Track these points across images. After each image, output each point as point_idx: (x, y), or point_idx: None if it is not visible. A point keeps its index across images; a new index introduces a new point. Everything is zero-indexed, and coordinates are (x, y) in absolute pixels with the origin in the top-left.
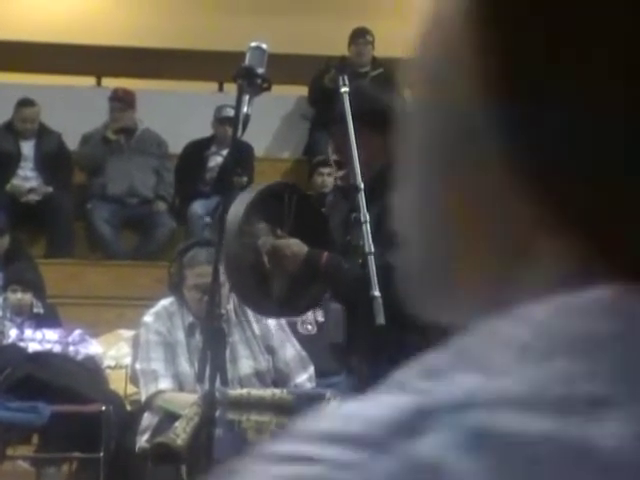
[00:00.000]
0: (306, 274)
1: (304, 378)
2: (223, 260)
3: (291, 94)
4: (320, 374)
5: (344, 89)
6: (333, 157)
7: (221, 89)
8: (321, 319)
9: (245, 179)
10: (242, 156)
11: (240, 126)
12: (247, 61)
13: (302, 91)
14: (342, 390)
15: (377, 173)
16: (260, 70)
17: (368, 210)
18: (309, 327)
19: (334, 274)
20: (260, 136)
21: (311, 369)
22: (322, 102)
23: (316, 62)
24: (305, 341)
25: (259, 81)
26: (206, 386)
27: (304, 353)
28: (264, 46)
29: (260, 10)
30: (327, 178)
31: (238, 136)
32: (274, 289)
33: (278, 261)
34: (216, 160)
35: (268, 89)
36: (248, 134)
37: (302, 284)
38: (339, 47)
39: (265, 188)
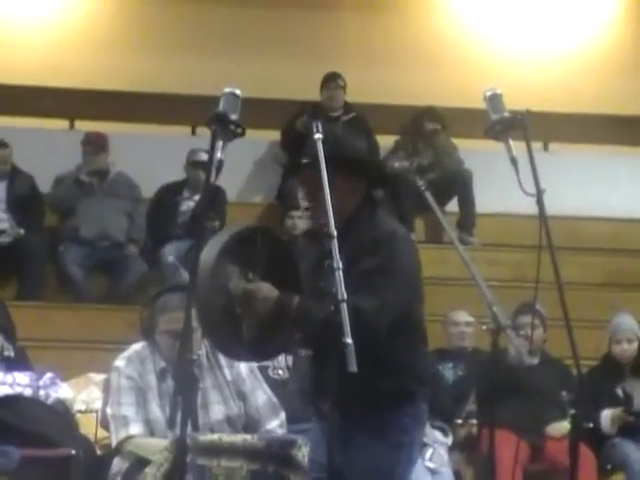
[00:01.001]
0: (276, 318)
1: (275, 424)
2: (195, 303)
3: (263, 138)
4: (291, 420)
5: (317, 135)
6: (303, 203)
7: (194, 132)
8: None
9: (217, 223)
10: (215, 200)
11: (213, 171)
12: (221, 107)
13: (274, 135)
14: (313, 436)
15: (347, 217)
16: (234, 116)
17: (338, 252)
18: (280, 372)
19: (304, 319)
20: (233, 180)
21: (282, 415)
22: (294, 147)
23: (288, 106)
24: (277, 386)
25: (232, 127)
26: (177, 432)
27: (275, 399)
28: (238, 92)
29: (232, 55)
30: (298, 221)
31: (212, 181)
32: (244, 333)
33: (249, 305)
34: (188, 204)
35: (242, 135)
36: (221, 178)
37: (272, 328)
38: (311, 92)
39: (238, 231)
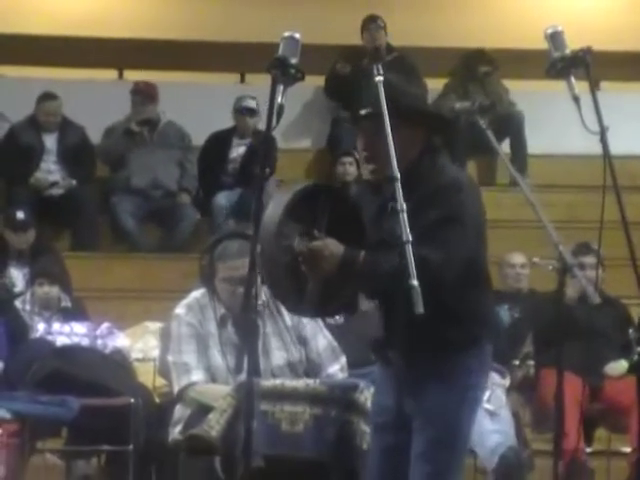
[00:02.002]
0: (342, 275)
1: (336, 369)
2: (259, 260)
3: (309, 84)
4: (351, 364)
5: (378, 78)
6: (364, 153)
7: (243, 80)
8: None
9: (268, 170)
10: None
11: (275, 116)
12: (280, 51)
13: (320, 81)
14: (377, 381)
15: (409, 166)
16: (294, 60)
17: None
18: (337, 317)
19: (371, 273)
20: (280, 127)
21: (343, 359)
22: (337, 92)
23: (332, 52)
24: (332, 331)
25: (292, 71)
26: (240, 378)
27: (335, 343)
28: (297, 36)
29: (278, 1)
30: (349, 167)
31: (273, 127)
32: (309, 290)
33: (315, 262)
34: (238, 151)
35: (302, 79)
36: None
37: (337, 286)
38: (354, 37)
39: (302, 189)
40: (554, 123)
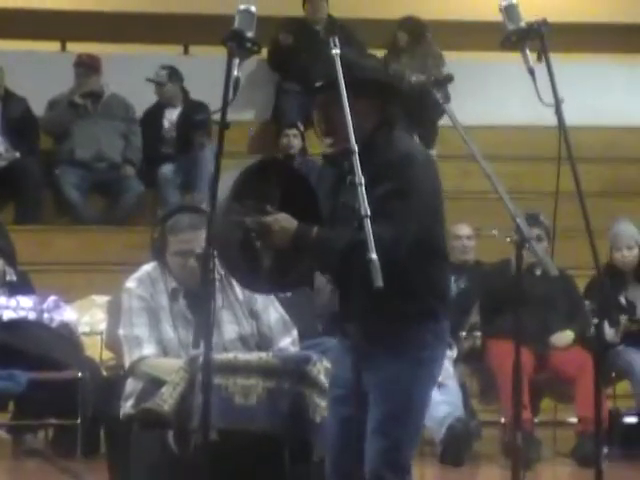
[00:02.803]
0: (295, 250)
1: (287, 342)
2: (212, 237)
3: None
4: (301, 335)
5: (335, 51)
6: (321, 126)
7: (187, 52)
8: None
9: (205, 139)
10: (199, 113)
11: (231, 89)
12: (236, 24)
13: (263, 53)
14: (336, 353)
15: (365, 139)
16: (250, 33)
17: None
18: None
19: (323, 249)
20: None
21: (294, 333)
22: (281, 63)
23: (275, 23)
24: (281, 303)
25: (249, 44)
26: (192, 351)
27: (287, 317)
28: (253, 9)
29: None
30: (293, 140)
31: (230, 99)
32: (263, 266)
33: (267, 237)
34: (170, 121)
35: (258, 52)
36: (211, 96)
37: (291, 260)
38: (293, 9)
39: (251, 165)
40: (494, 94)
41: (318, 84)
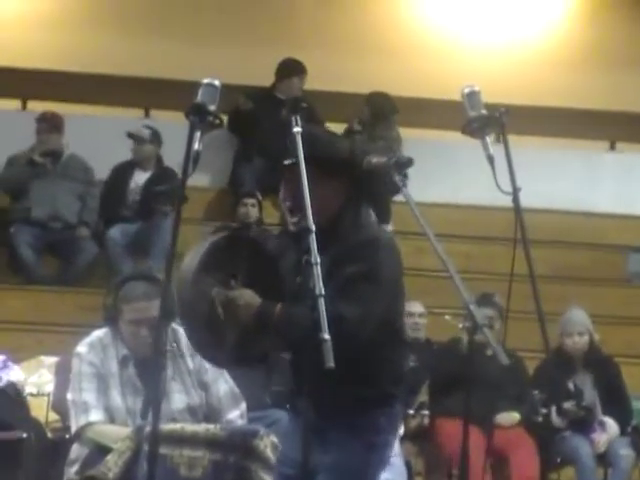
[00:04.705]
0: (259, 326)
1: (236, 414)
2: (177, 308)
3: None
4: (249, 407)
5: (296, 129)
6: (287, 204)
7: (147, 115)
8: None
9: (168, 206)
10: (168, 181)
11: (191, 162)
12: (199, 97)
13: (224, 120)
14: (287, 432)
15: (332, 217)
16: (212, 107)
17: (323, 253)
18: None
19: (286, 327)
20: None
21: (243, 406)
22: (240, 128)
23: (240, 92)
24: (230, 374)
25: (211, 118)
26: (139, 421)
27: (237, 389)
28: (217, 83)
29: (186, 39)
30: (251, 209)
31: (189, 173)
32: (227, 340)
33: (231, 312)
34: (137, 182)
35: (220, 126)
36: (173, 161)
37: (254, 336)
38: (265, 77)
39: (219, 239)
40: (452, 173)
41: (287, 162)
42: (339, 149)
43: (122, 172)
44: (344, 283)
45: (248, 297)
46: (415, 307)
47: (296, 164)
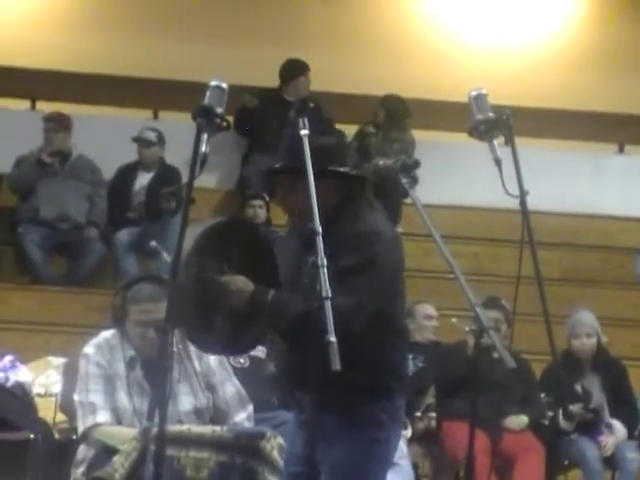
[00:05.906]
0: (251, 312)
1: (243, 417)
2: (168, 293)
3: None
4: (255, 408)
5: (303, 132)
6: (283, 206)
7: (156, 116)
8: (255, 353)
9: (174, 204)
10: (170, 181)
11: (198, 164)
12: (207, 100)
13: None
14: (291, 429)
15: (329, 213)
16: (219, 109)
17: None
18: (242, 360)
19: (277, 314)
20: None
21: (250, 408)
22: (246, 125)
23: (240, 92)
24: (237, 374)
25: (218, 120)
26: (147, 422)
27: (244, 391)
28: (224, 85)
29: (195, 40)
30: (258, 210)
31: (196, 175)
32: (218, 325)
33: (223, 297)
34: (141, 183)
35: (227, 128)
36: (177, 162)
37: (246, 322)
38: (272, 78)
39: (216, 223)
40: (460, 175)
41: (276, 167)
42: (333, 155)
43: (126, 174)
44: (339, 274)
45: (241, 283)
46: (432, 309)
47: (287, 170)
